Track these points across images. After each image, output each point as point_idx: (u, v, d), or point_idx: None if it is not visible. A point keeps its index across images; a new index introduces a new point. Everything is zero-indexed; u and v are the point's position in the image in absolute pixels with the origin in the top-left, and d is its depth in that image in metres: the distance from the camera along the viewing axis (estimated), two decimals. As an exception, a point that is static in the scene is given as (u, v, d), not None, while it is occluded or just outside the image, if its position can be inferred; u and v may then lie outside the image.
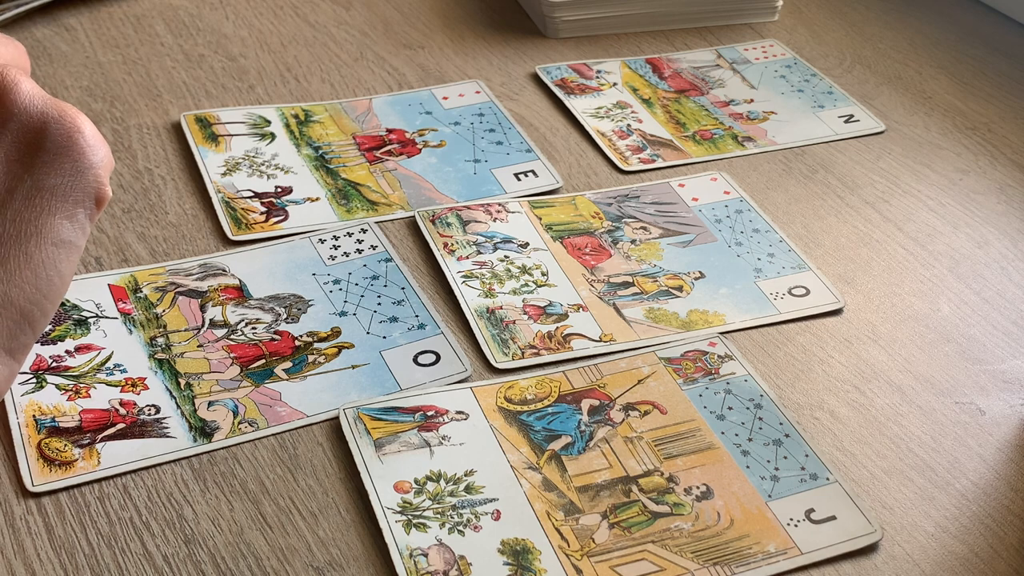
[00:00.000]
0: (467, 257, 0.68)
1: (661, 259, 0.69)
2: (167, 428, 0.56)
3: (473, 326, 0.63)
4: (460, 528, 0.52)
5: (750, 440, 0.57)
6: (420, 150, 0.77)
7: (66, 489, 0.53)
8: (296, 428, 0.57)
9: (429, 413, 0.58)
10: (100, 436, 0.56)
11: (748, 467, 0.56)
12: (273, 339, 0.62)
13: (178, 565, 0.50)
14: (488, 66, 0.87)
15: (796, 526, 0.53)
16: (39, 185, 0.38)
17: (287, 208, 0.71)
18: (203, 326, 0.62)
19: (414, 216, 0.71)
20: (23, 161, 0.38)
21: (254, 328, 0.62)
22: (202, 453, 0.55)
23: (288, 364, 0.60)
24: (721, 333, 0.64)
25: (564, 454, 0.56)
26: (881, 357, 0.63)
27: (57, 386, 0.58)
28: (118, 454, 0.55)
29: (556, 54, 0.89)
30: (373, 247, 0.68)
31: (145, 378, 0.59)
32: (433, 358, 0.61)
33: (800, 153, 0.79)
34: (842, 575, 0.52)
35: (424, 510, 0.53)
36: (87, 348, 0.60)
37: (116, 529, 0.52)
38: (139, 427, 0.56)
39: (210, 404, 0.58)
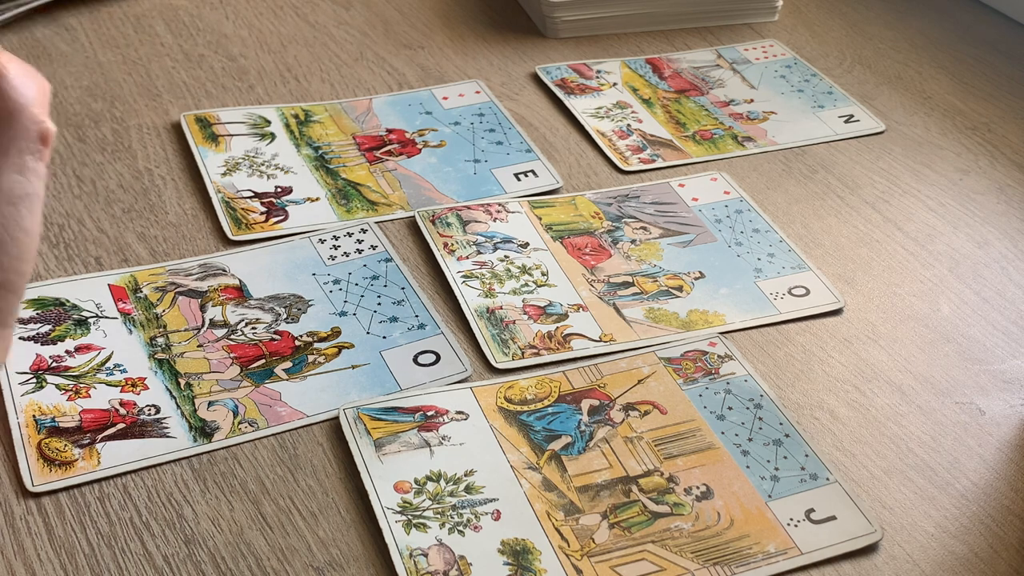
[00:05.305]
0: (467, 257, 0.68)
1: (661, 259, 0.69)
2: (167, 428, 0.56)
3: (473, 326, 0.63)
4: (460, 528, 0.52)
5: (750, 440, 0.57)
6: (420, 150, 0.77)
7: (66, 489, 0.53)
8: (296, 428, 0.57)
9: (429, 413, 0.58)
10: (100, 436, 0.56)
11: (748, 467, 0.56)
12: (273, 339, 0.62)
13: (178, 565, 0.50)
14: (488, 66, 0.87)
15: (796, 526, 0.53)
16: None
17: (287, 208, 0.71)
18: (203, 326, 0.62)
19: (414, 216, 0.71)
20: None
21: (254, 328, 0.62)
22: (202, 453, 0.55)
23: (288, 364, 0.60)
24: (721, 333, 0.64)
25: (564, 454, 0.56)
26: (881, 357, 0.63)
27: (57, 386, 0.58)
28: (118, 454, 0.55)
29: (556, 54, 0.89)
30: (373, 247, 0.68)
31: (145, 378, 0.59)
32: (433, 358, 0.61)
33: (800, 153, 0.79)
34: (842, 575, 0.52)
35: (424, 510, 0.53)
36: (87, 348, 0.60)
37: (116, 529, 0.52)
38: (139, 427, 0.56)
39: (210, 404, 0.58)
